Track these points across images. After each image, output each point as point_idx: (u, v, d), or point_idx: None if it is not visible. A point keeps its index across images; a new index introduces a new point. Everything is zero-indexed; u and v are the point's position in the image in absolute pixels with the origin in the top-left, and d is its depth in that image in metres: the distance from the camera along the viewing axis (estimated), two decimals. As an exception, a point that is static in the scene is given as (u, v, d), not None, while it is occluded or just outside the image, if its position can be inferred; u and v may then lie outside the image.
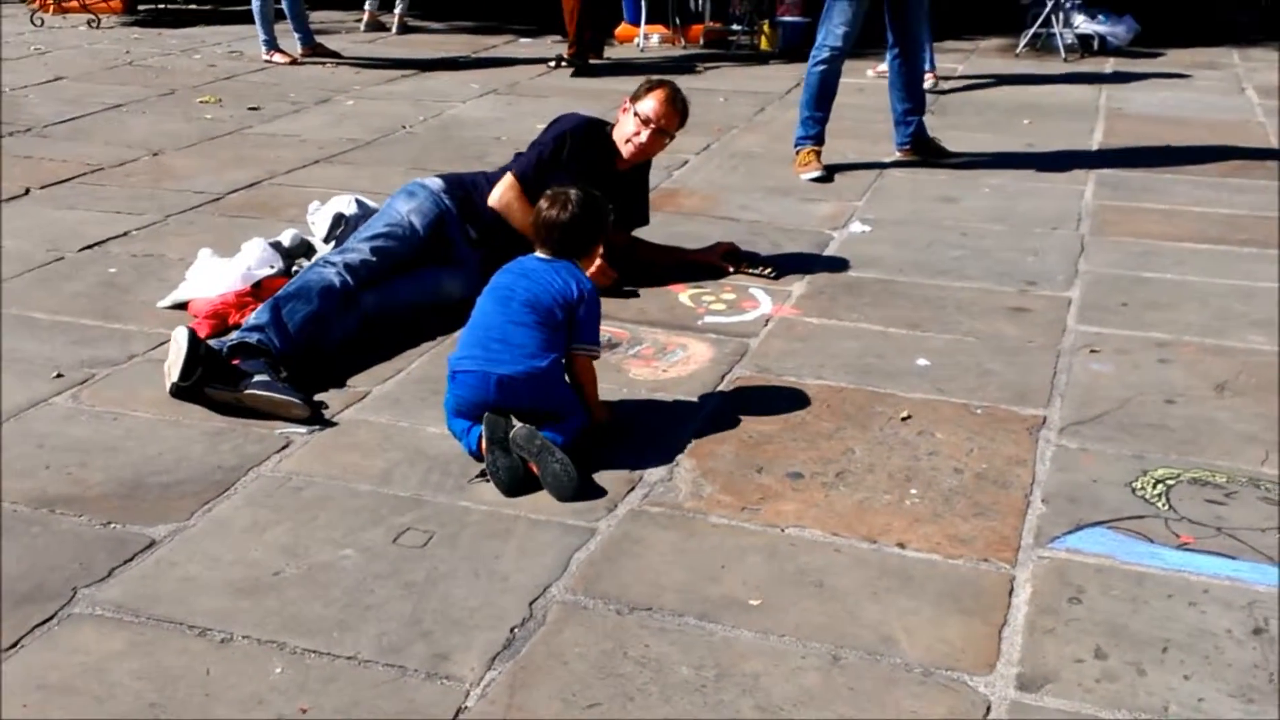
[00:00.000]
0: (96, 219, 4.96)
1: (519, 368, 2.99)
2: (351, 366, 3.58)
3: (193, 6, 11.37)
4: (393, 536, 2.71)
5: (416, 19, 10.66)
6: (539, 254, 3.20)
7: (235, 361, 3.32)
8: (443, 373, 3.19)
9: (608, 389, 3.46)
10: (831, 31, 5.65)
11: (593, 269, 4.04)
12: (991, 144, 6.41)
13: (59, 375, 3.48)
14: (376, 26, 10.15)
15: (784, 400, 3.43)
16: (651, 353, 3.76)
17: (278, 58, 8.51)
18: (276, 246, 4.24)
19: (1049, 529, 2.79)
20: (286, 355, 3.41)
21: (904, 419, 3.33)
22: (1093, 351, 3.77)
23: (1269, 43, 9.54)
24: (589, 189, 3.28)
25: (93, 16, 10.14)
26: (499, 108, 7.24)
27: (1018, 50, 9.35)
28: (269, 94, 7.54)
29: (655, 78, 4.33)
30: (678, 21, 9.64)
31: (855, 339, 3.87)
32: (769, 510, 2.86)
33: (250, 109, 7.12)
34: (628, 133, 4.22)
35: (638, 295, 4.20)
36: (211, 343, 3.39)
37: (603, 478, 2.98)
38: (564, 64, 8.56)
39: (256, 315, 3.49)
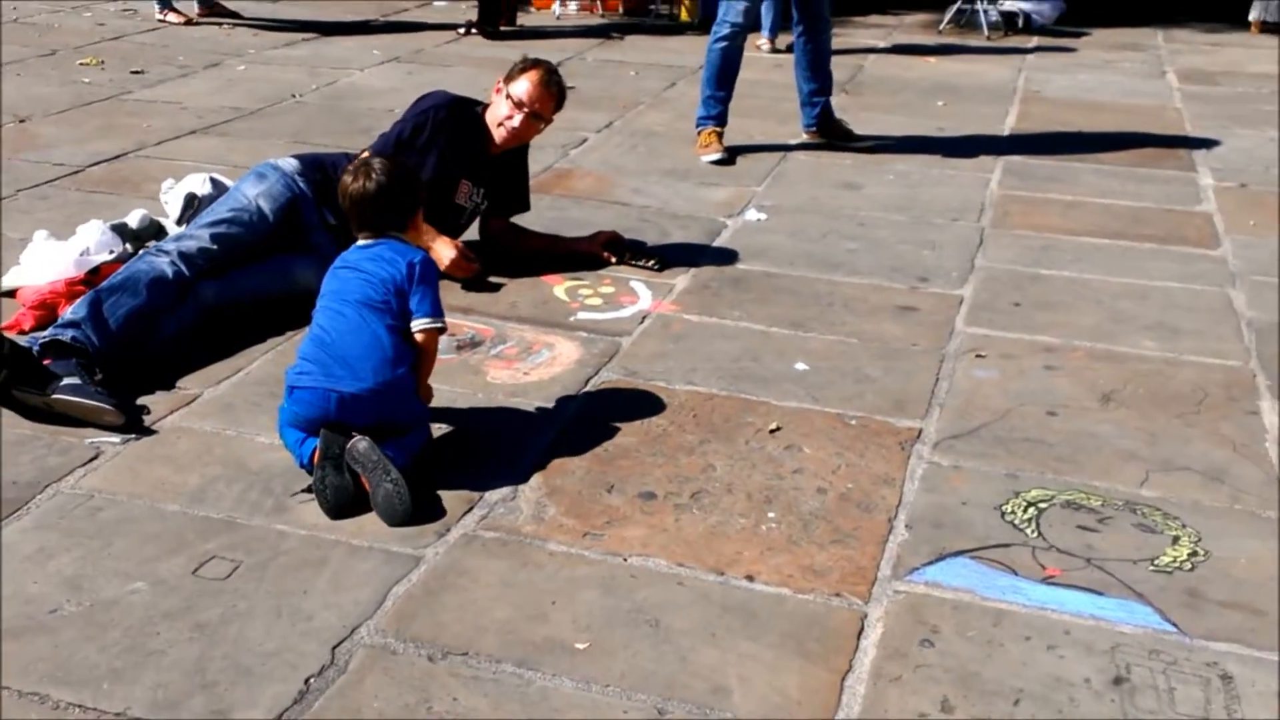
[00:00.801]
0: (-60, 193, 4.64)
1: (362, 384, 2.74)
2: (185, 365, 3.33)
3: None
4: (194, 566, 2.47)
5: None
6: (359, 241, 2.96)
7: (47, 361, 3.04)
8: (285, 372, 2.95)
9: (462, 393, 3.25)
10: (732, 7, 5.41)
11: (450, 259, 3.82)
12: (903, 126, 6.22)
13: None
14: None
15: (647, 408, 3.22)
16: (515, 353, 3.53)
17: (171, 17, 8.13)
18: (121, 229, 3.95)
19: (909, 558, 2.61)
20: (105, 354, 3.14)
21: (772, 431, 3.13)
22: (978, 356, 3.60)
23: (1194, 24, 9.43)
24: (393, 157, 3.03)
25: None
26: (398, 77, 6.93)
27: (941, 26, 9.16)
28: (156, 56, 7.17)
29: (531, 57, 4.08)
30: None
31: (734, 339, 3.66)
32: (613, 536, 2.65)
33: (133, 72, 6.76)
34: (500, 115, 3.97)
35: (500, 288, 3.96)
36: (22, 339, 3.12)
37: (442, 497, 2.75)
38: (473, 31, 8.25)
39: (74, 309, 3.21)
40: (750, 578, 2.52)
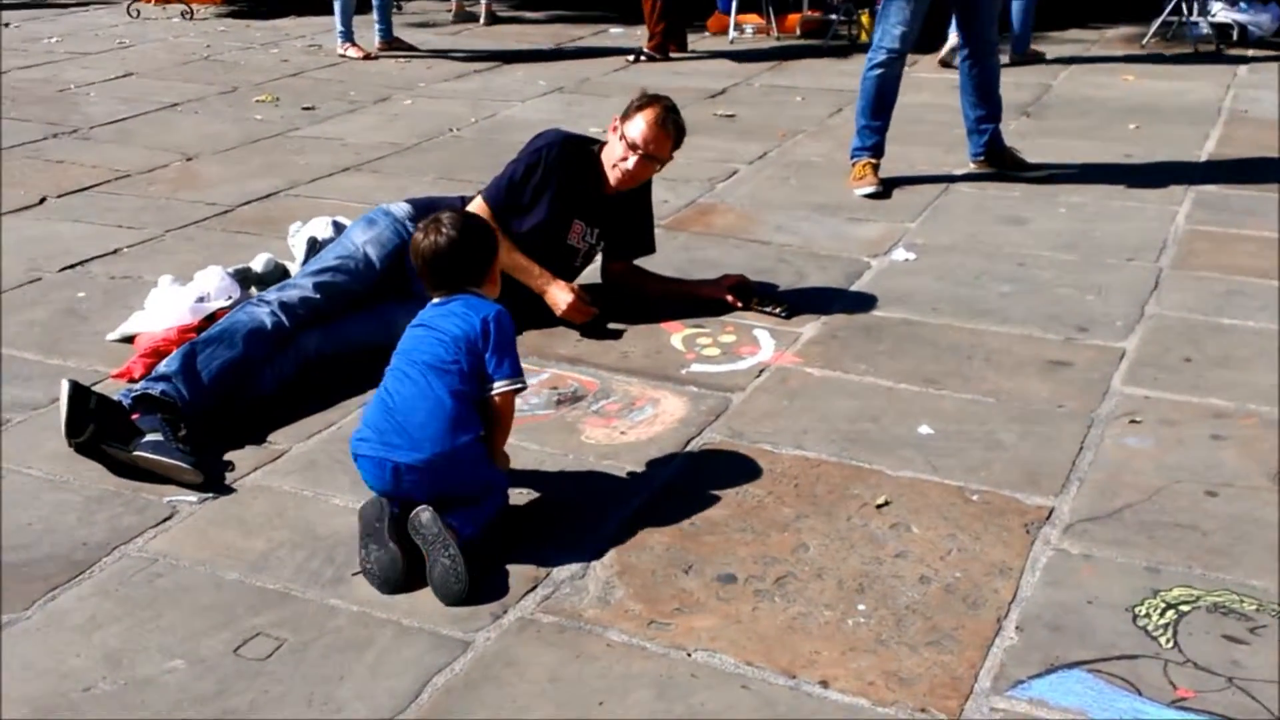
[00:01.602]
0: (94, 234, 4.75)
1: (419, 455, 2.59)
2: (280, 418, 3.25)
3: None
4: (237, 644, 2.36)
5: (510, 8, 10.37)
6: (432, 299, 2.80)
7: (135, 416, 3.01)
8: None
9: (551, 454, 3.08)
10: (888, 32, 5.10)
11: (565, 303, 3.66)
12: (1086, 153, 5.76)
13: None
14: (465, 17, 9.87)
15: (746, 475, 2.98)
16: (616, 409, 3.33)
17: (351, 51, 8.28)
18: (244, 273, 3.95)
19: (1015, 668, 2.29)
20: (197, 408, 3.10)
21: (879, 506, 2.84)
22: (1133, 422, 3.21)
23: None
24: (463, 211, 2.87)
25: (186, 7, 10.09)
26: (557, 108, 6.86)
27: (1144, 40, 8.56)
28: (330, 92, 7.30)
29: (648, 94, 3.87)
30: (772, 10, 9.10)
31: (855, 397, 3.38)
32: (681, 626, 2.42)
33: (304, 109, 6.88)
34: (614, 157, 3.79)
35: (620, 336, 3.77)
36: (118, 393, 3.10)
37: (510, 572, 2.58)
38: (643, 58, 8.14)
39: (168, 362, 3.18)
40: (825, 683, 2.25)
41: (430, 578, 2.49)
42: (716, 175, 5.47)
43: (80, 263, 4.43)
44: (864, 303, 4.04)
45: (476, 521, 2.60)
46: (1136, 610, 2.45)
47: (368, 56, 8.26)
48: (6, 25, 9.48)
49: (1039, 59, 7.98)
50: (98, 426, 2.96)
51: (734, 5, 8.98)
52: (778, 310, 3.92)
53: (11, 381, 3.47)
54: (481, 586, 2.51)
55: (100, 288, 4.18)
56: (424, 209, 3.78)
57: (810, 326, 3.86)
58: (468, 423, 2.63)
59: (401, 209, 3.76)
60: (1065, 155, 5.69)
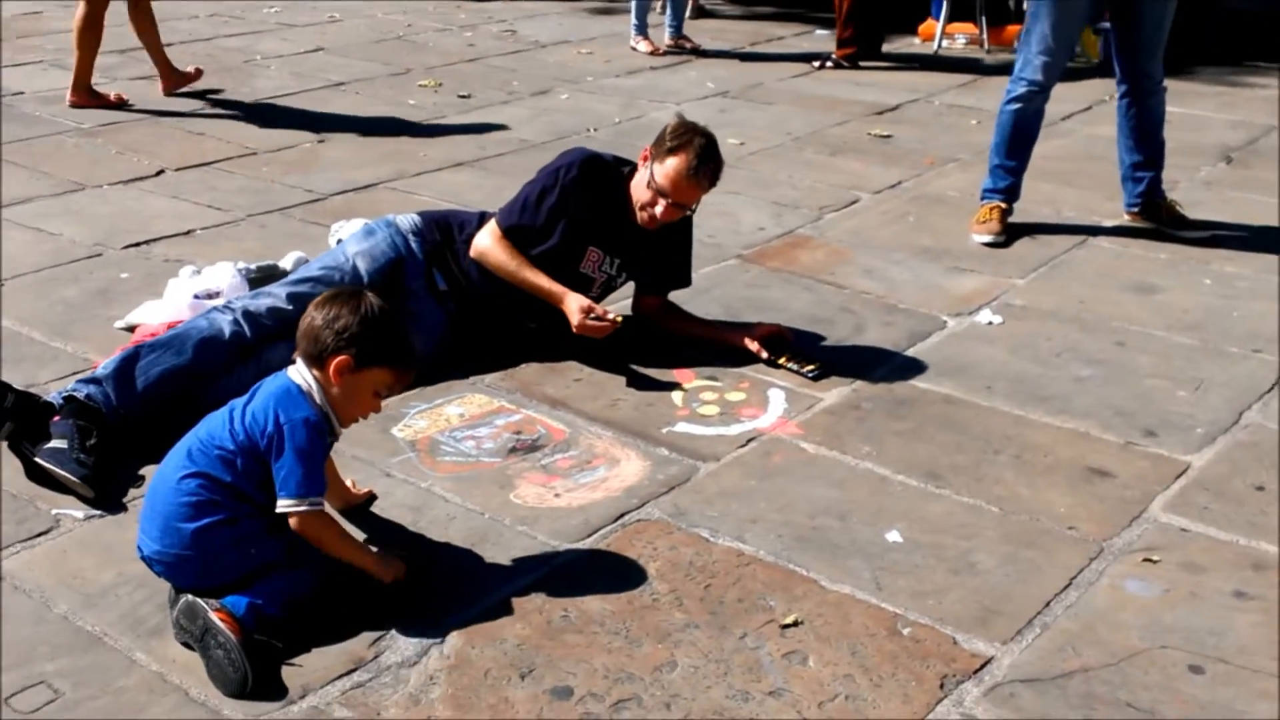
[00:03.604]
0: (180, 211, 4.79)
1: (156, 545, 2.38)
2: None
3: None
4: (11, 691, 2.22)
5: (723, 1, 10.05)
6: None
7: (55, 418, 2.93)
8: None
9: (469, 511, 2.82)
10: (1029, 62, 4.55)
11: (576, 319, 3.38)
12: (1273, 214, 4.99)
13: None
14: (702, 13, 9.54)
15: (656, 568, 2.63)
16: (568, 465, 3.04)
17: (642, 45, 8.01)
18: (268, 271, 3.85)
19: None
20: (128, 415, 2.99)
21: (785, 626, 2.45)
22: (1147, 560, 2.68)
23: None
24: (365, 292, 2.49)
25: (409, -17, 10.23)
26: (709, 113, 6.49)
27: None
28: (495, 81, 7.21)
29: (685, 125, 3.49)
30: (985, 20, 8.43)
31: (836, 485, 2.96)
32: (477, 746, 2.13)
33: (460, 96, 6.81)
34: (641, 198, 3.47)
35: (632, 378, 3.46)
36: (54, 391, 3.03)
37: (328, 652, 2.34)
38: (829, 64, 7.69)
39: (106, 363, 3.09)
40: None
41: (208, 671, 2.25)
42: (831, 204, 5.04)
43: (146, 241, 4.46)
44: (911, 370, 3.58)
45: (281, 595, 2.36)
46: (1021, 817, 1.99)
47: (655, 51, 8.02)
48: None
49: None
50: (16, 425, 2.90)
51: (944, 12, 8.37)
52: (807, 370, 3.52)
53: (12, 364, 3.47)
54: (267, 677, 2.24)
55: (147, 270, 4.18)
56: (431, 222, 3.60)
57: (835, 392, 3.44)
58: (208, 507, 2.35)
59: (407, 221, 3.57)
60: (1246, 215, 4.95)
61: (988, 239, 4.60)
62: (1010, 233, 4.64)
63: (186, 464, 2.38)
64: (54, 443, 2.85)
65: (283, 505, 2.34)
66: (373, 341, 2.42)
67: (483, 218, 3.62)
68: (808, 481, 2.98)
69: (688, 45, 8.20)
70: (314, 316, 2.45)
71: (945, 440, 3.19)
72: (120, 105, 6.26)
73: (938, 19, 8.55)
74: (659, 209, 3.44)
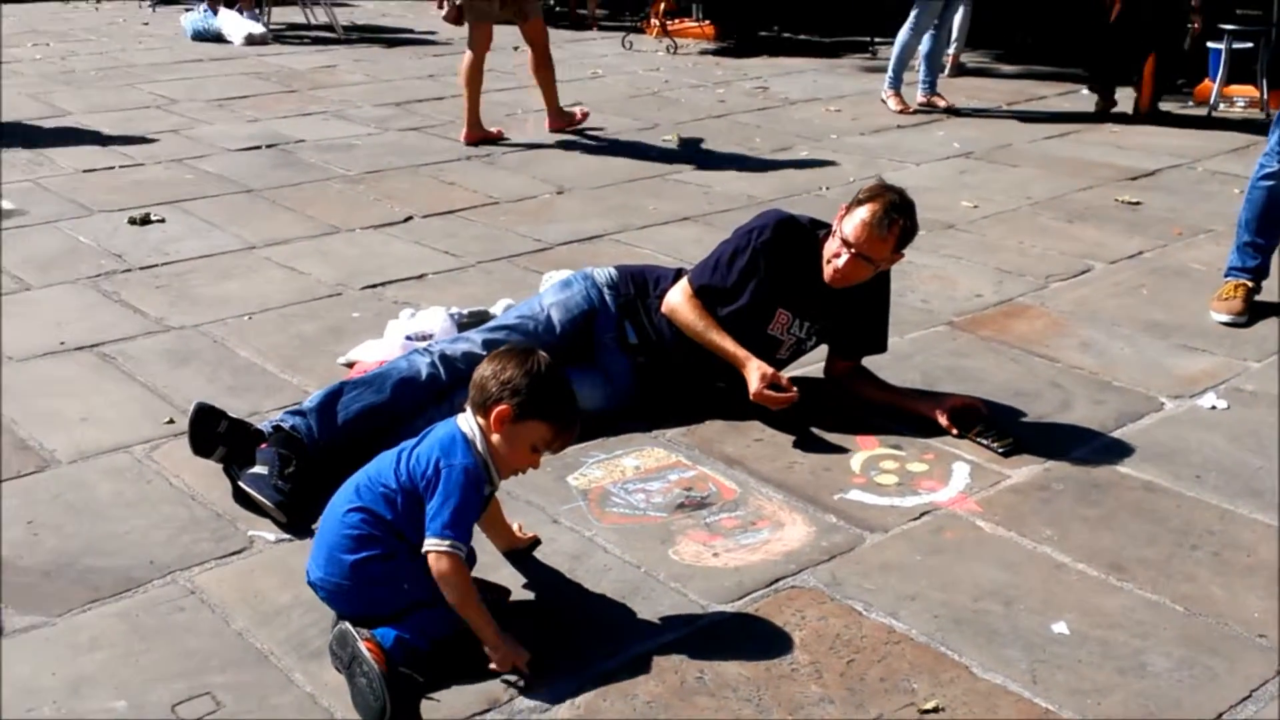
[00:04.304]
0: (418, 256, 5.08)
1: (320, 573, 2.55)
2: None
3: (786, 35, 11.42)
4: (180, 699, 2.40)
5: (989, 59, 9.84)
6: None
7: (264, 445, 3.16)
8: (509, 487, 2.88)
9: (624, 563, 2.86)
10: (1285, 133, 4.27)
11: (754, 387, 3.39)
12: None
13: (170, 421, 3.54)
14: (962, 71, 9.42)
15: (801, 637, 2.59)
16: (732, 525, 3.04)
17: (891, 102, 8.01)
18: (479, 316, 4.03)
19: None
20: (324, 447, 3.19)
21: (926, 711, 2.37)
22: (1341, 679, 2.44)
23: None
24: (541, 353, 2.57)
25: (670, 42, 10.53)
26: (945, 176, 6.40)
27: None
28: (737, 137, 7.29)
29: (881, 184, 3.48)
30: (1265, 83, 7.92)
31: (1008, 569, 2.85)
32: (589, 799, 2.15)
33: (700, 151, 6.94)
34: (830, 251, 3.45)
35: (810, 441, 3.44)
36: (266, 421, 3.27)
37: (467, 691, 2.42)
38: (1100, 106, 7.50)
39: (313, 396, 3.31)
40: None
41: (351, 698, 2.37)
42: (1060, 272, 4.85)
43: (383, 283, 4.75)
44: (1114, 452, 3.40)
45: (425, 635, 2.45)
46: None
47: (904, 110, 8.01)
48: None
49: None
50: (228, 450, 3.14)
51: (1222, 72, 7.93)
52: (997, 445, 3.39)
53: (237, 391, 3.77)
54: (405, 706, 2.35)
55: (377, 310, 4.44)
56: (627, 277, 3.69)
57: (1025, 470, 3.30)
58: (367, 541, 2.48)
59: (604, 274, 3.67)
60: None
61: (1227, 318, 4.32)
62: (1254, 313, 4.34)
63: (354, 498, 2.53)
64: (257, 468, 3.07)
65: (426, 544, 2.45)
66: (534, 395, 2.50)
67: (678, 275, 3.68)
68: (977, 561, 2.88)
69: (940, 104, 8.08)
70: (485, 368, 2.56)
71: (1137, 530, 3.01)
72: (500, 139, 7.14)
73: (1214, 80, 8.11)
74: (842, 259, 3.41)
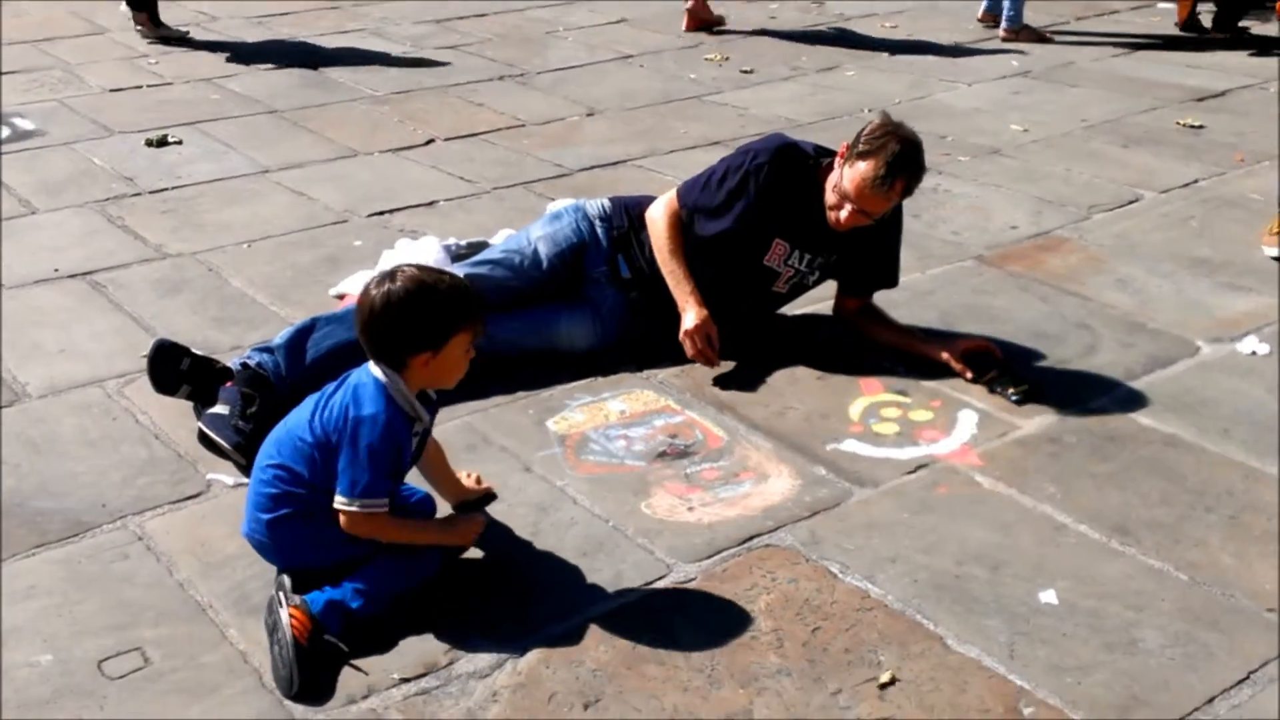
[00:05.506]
0: (433, 181, 4.91)
1: (246, 529, 2.45)
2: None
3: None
4: (109, 654, 2.30)
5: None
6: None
7: (229, 383, 3.04)
8: (485, 430, 2.84)
9: (593, 517, 2.72)
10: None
11: (688, 325, 3.22)
12: None
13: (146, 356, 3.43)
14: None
15: (766, 602, 2.43)
16: (714, 477, 2.87)
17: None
18: (477, 246, 3.86)
19: None
20: (293, 384, 3.06)
21: (883, 685, 2.19)
22: (1356, 664, 2.22)
23: None
24: (443, 271, 2.42)
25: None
26: (1000, 95, 6.06)
27: None
28: (783, 54, 6.99)
29: (885, 126, 3.15)
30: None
31: (1001, 530, 2.65)
32: (513, 776, 2.02)
33: (743, 71, 6.66)
34: (829, 200, 3.22)
35: (814, 381, 3.24)
36: (235, 357, 3.15)
37: (407, 652, 2.29)
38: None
39: (283, 332, 3.18)
40: None
41: (270, 663, 2.26)
42: (1106, 202, 4.55)
43: (390, 210, 4.59)
44: (1136, 402, 3.16)
45: (371, 594, 2.32)
46: None
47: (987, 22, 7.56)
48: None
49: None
50: (192, 388, 3.03)
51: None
52: (1010, 392, 3.17)
53: (222, 324, 3.65)
54: (314, 682, 2.21)
55: (379, 238, 4.29)
56: (623, 208, 3.49)
57: (1038, 420, 3.08)
58: (283, 500, 2.36)
59: (595, 206, 3.48)
60: None
61: (1277, 252, 4.01)
62: (1308, 248, 4.04)
63: (273, 454, 2.40)
64: (217, 408, 2.96)
65: (336, 502, 2.31)
66: (441, 326, 2.32)
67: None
68: (968, 521, 2.68)
69: (1030, 35, 7.43)
70: (376, 327, 2.34)
71: (1150, 489, 2.78)
72: (720, 23, 7.49)
73: (1299, -7, 7.59)
74: (844, 214, 3.18)
